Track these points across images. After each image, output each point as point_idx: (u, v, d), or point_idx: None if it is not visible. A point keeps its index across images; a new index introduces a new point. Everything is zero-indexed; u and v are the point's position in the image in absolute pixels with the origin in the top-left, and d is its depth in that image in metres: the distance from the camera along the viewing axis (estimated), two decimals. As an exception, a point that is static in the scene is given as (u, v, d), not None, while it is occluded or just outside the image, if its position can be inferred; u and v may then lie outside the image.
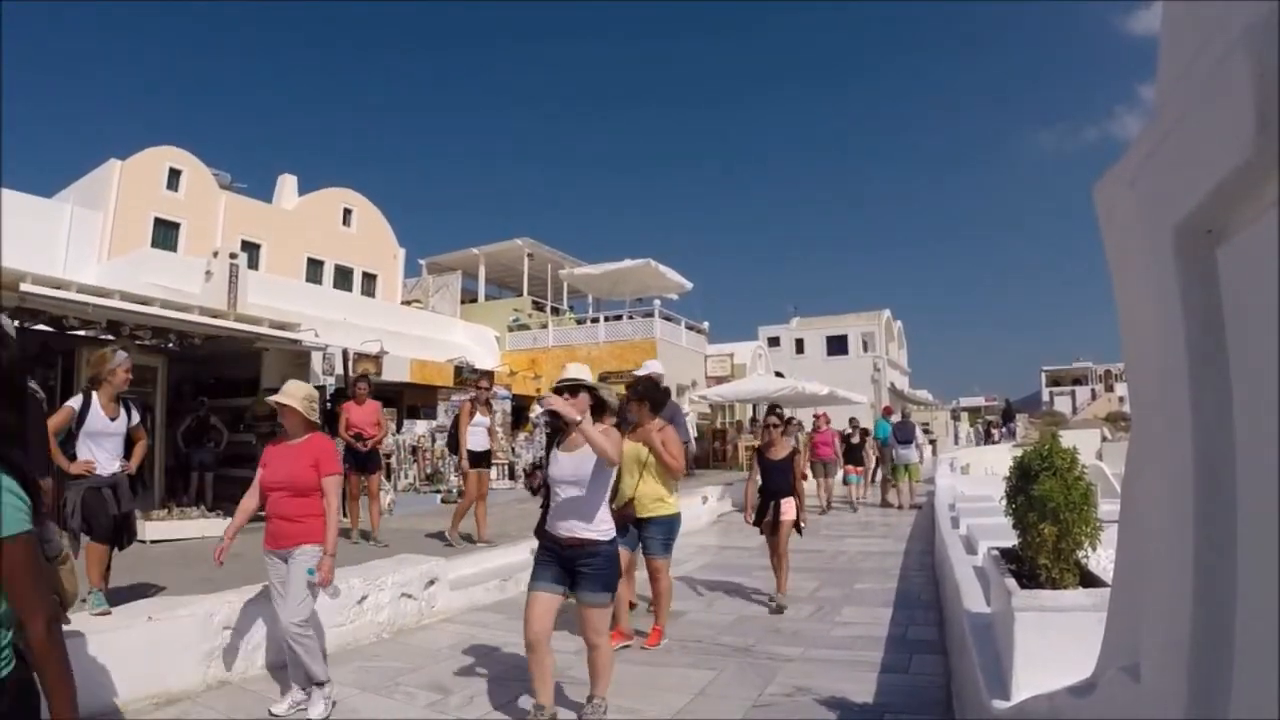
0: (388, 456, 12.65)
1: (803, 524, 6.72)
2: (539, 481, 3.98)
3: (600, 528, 3.72)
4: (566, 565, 3.70)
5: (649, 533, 5.39)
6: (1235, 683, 1.00)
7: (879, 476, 16.25)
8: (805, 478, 13.65)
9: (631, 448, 5.27)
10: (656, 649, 5.32)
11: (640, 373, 6.77)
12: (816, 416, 15.34)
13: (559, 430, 3.90)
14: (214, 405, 11.49)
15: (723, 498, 13.77)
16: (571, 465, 3.75)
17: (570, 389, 3.77)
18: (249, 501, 4.27)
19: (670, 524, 5.47)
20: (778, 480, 6.67)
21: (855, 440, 15.42)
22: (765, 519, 6.61)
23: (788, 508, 6.55)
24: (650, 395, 5.55)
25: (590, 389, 3.83)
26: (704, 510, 12.51)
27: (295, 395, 4.23)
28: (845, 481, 15.16)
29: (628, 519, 5.16)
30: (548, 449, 4.00)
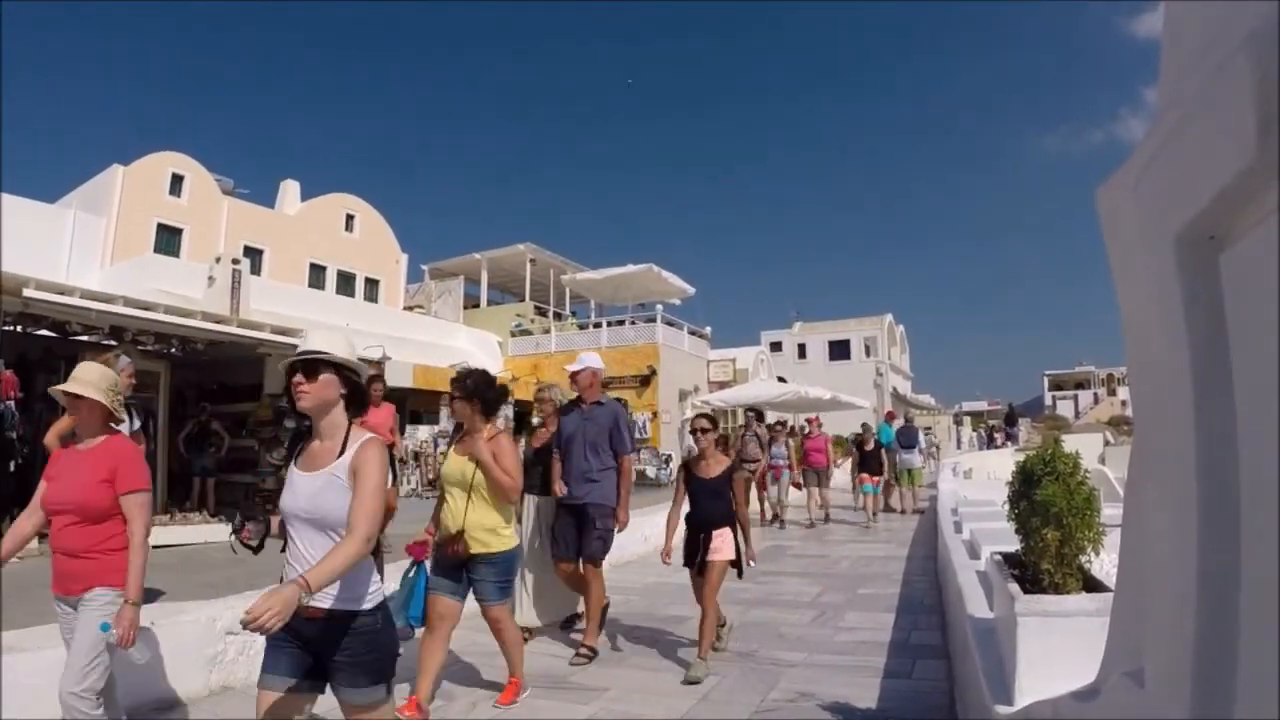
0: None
1: (751, 562, 5.21)
2: (258, 536, 2.73)
3: (357, 591, 2.41)
4: (311, 648, 2.42)
5: (478, 574, 4.11)
6: (1239, 687, 1.00)
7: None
8: (774, 484, 12.95)
9: (456, 463, 4.20)
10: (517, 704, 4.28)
11: (574, 367, 5.73)
12: (809, 421, 14.53)
13: (302, 435, 2.64)
14: (216, 411, 11.51)
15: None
16: (310, 492, 2.44)
17: (306, 366, 2.47)
18: (23, 524, 3.09)
19: (507, 561, 4.20)
20: (709, 506, 5.05)
21: (870, 447, 13.84)
22: (696, 559, 5.00)
23: (721, 543, 4.94)
24: (481, 393, 4.24)
25: (339, 366, 2.52)
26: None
27: (94, 382, 3.06)
28: (863, 491, 13.71)
29: (456, 557, 4.07)
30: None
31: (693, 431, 5.27)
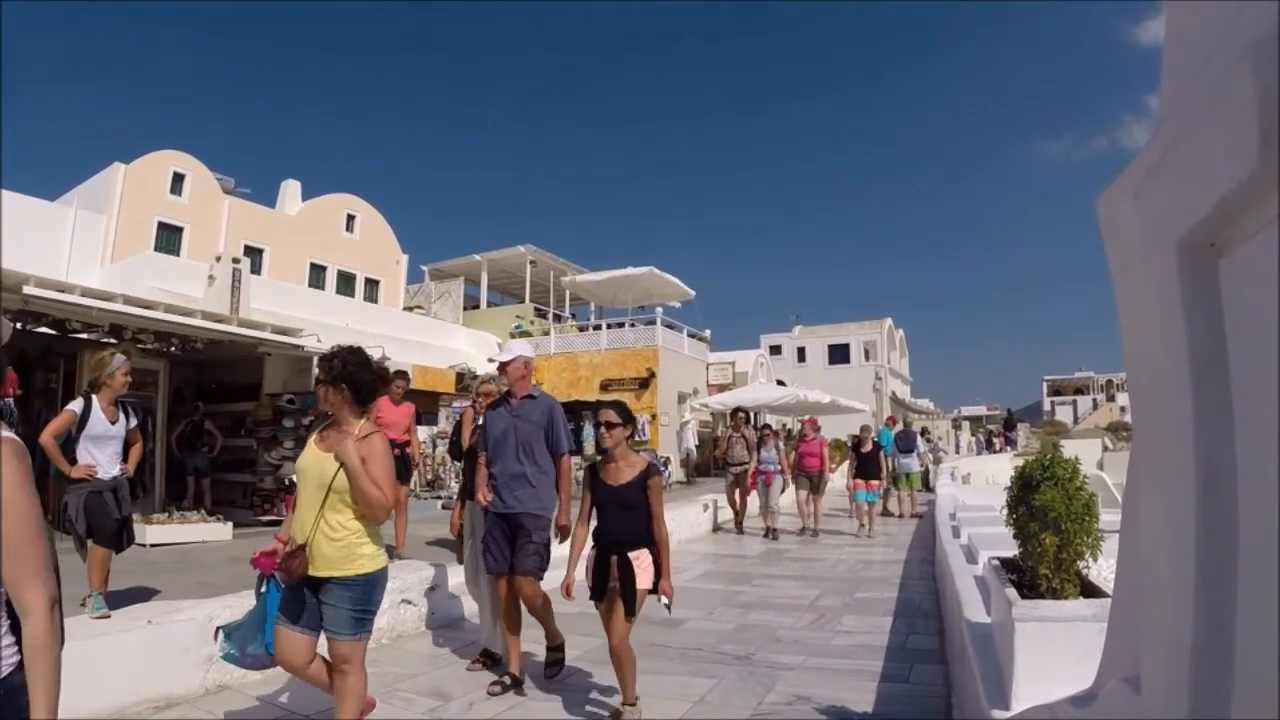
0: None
1: (664, 599, 3.94)
2: None
3: None
4: None
5: (330, 598, 3.20)
6: (1236, 694, 1.00)
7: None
8: (764, 491, 11.97)
9: (314, 460, 3.31)
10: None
11: (505, 357, 4.92)
12: (803, 422, 13.37)
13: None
14: (215, 410, 11.52)
15: (723, 506, 13.69)
16: None
17: None
18: None
19: (369, 586, 3.25)
20: (619, 520, 3.99)
21: (867, 449, 12.62)
22: (609, 586, 3.91)
23: (640, 567, 3.89)
24: (351, 377, 3.31)
25: None
26: (704, 518, 12.50)
27: None
28: (855, 499, 12.48)
29: (293, 575, 3.19)
30: None
31: (597, 425, 4.21)
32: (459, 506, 5.72)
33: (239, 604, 4.67)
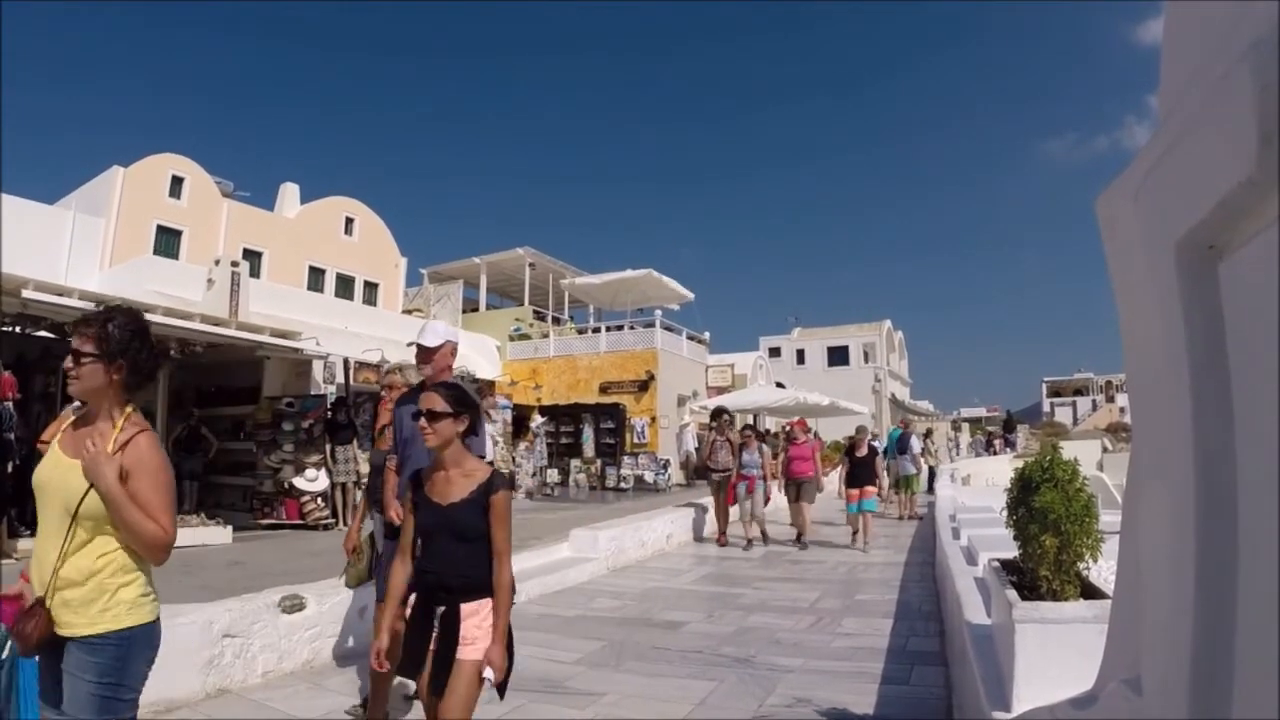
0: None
1: (491, 675, 2.70)
2: None
3: None
4: None
5: (70, 667, 2.17)
6: (1236, 696, 1.00)
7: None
8: (747, 498, 10.95)
9: (59, 474, 2.24)
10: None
11: (434, 341, 4.09)
12: (791, 424, 12.18)
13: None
14: (214, 413, 11.57)
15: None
16: None
17: None
18: None
19: (120, 649, 2.21)
20: (452, 556, 2.70)
21: (862, 453, 11.24)
22: (426, 660, 2.73)
23: (476, 627, 2.70)
24: (127, 349, 2.29)
25: None
26: (706, 519, 12.47)
27: None
28: (852, 509, 10.97)
29: (30, 644, 2.17)
30: None
31: (417, 416, 2.79)
32: (358, 519, 4.65)
33: (239, 607, 4.67)
